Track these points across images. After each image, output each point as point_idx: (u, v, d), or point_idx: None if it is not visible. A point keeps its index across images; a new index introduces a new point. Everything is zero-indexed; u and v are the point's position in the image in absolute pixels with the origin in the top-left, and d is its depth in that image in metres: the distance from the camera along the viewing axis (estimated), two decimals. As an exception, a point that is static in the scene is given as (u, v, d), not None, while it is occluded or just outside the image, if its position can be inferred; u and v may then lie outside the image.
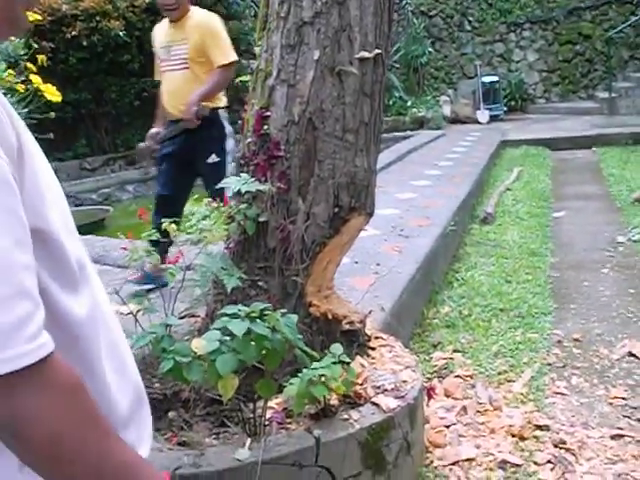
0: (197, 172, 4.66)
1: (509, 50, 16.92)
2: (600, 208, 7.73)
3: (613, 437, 3.16)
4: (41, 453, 0.95)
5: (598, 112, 14.64)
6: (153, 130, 4.65)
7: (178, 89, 4.51)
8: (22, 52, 4.43)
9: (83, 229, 2.77)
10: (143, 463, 1.09)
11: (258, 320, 2.10)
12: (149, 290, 3.84)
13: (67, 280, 1.06)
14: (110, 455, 1.02)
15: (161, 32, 4.60)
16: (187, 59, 4.51)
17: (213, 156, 4.64)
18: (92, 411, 1.01)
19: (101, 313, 1.15)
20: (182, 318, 3.16)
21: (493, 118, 15.12)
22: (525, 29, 16.75)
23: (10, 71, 3.91)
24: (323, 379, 2.25)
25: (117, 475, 1.02)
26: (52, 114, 4.43)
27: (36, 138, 1.10)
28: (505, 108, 15.77)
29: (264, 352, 2.10)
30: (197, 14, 4.52)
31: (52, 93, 3.98)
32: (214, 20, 4.56)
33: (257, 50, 2.86)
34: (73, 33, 11.01)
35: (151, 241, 3.20)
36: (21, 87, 3.92)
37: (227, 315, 2.12)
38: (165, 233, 3.10)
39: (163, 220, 3.01)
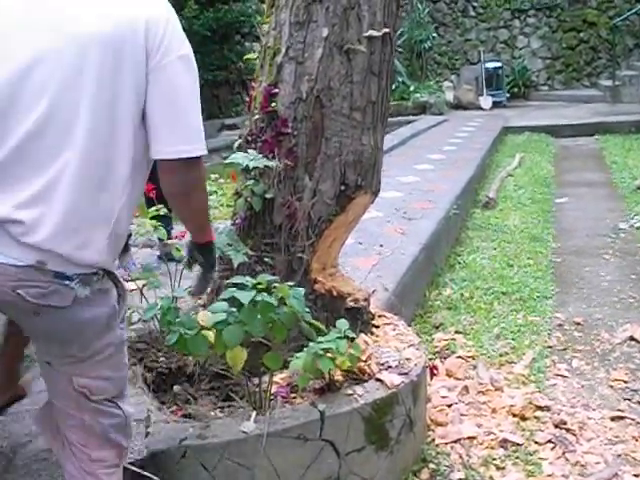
0: None
1: (513, 36, 16.86)
2: (602, 195, 7.73)
3: (613, 419, 3.17)
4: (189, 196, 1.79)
5: (601, 100, 14.62)
6: None
7: None
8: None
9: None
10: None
11: (265, 293, 2.12)
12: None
13: None
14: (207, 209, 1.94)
15: None
16: None
17: None
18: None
19: None
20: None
21: (496, 104, 15.08)
22: (529, 16, 16.68)
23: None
24: (329, 353, 2.26)
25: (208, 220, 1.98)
26: None
27: None
28: (508, 95, 15.73)
29: (270, 325, 2.12)
30: None
31: None
32: None
33: (265, 27, 2.85)
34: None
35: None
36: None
37: (234, 285, 2.13)
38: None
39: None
